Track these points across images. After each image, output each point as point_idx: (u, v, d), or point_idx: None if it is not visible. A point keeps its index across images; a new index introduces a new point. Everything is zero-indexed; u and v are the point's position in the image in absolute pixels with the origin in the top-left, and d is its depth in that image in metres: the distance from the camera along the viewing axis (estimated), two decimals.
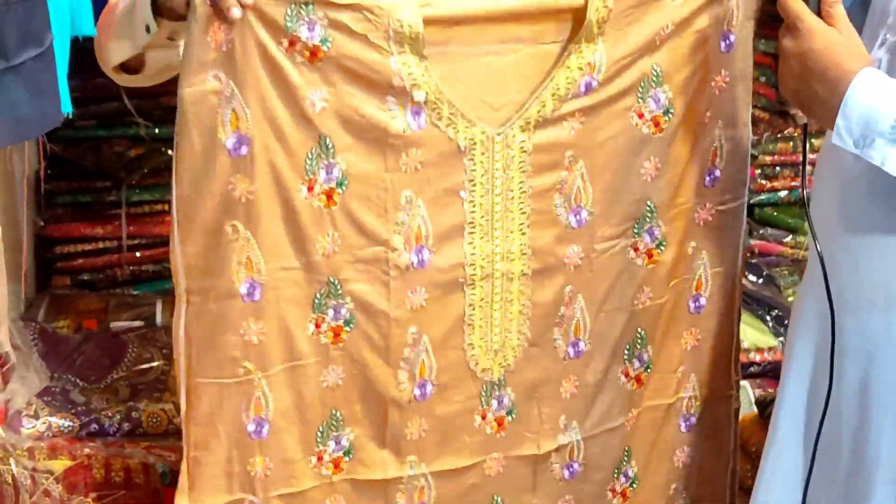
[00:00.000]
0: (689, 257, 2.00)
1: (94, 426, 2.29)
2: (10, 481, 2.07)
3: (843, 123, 1.46)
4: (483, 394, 1.93)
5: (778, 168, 3.11)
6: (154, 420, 2.33)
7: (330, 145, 1.71)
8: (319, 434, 1.84)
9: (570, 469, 2.03)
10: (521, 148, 1.81)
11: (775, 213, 3.15)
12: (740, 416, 2.40)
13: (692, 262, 2.00)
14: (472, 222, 1.82)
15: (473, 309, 1.87)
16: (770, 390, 2.54)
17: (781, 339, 2.75)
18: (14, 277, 2.71)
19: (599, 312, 1.95)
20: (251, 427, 1.79)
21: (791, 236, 3.14)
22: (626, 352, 2.00)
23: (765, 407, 2.32)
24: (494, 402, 1.93)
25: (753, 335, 2.76)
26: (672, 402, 2.07)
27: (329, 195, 1.74)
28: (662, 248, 1.96)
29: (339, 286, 1.78)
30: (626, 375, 2.02)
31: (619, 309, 1.97)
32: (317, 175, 1.72)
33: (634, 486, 2.09)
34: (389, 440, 1.89)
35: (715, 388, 2.10)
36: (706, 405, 2.10)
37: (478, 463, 1.96)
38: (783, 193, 3.15)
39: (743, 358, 2.75)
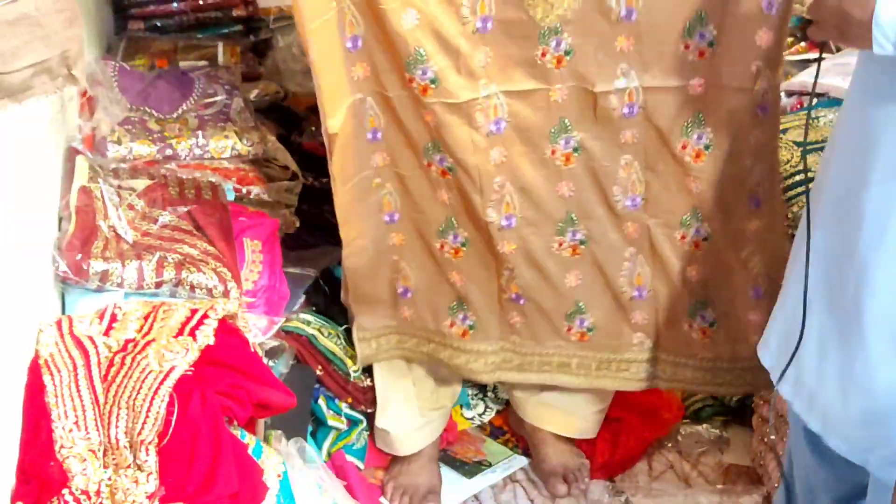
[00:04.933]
0: None
1: (169, 151, 2.47)
2: (100, 196, 2.14)
3: (878, 31, 1.58)
4: (541, 36, 2.14)
5: None
6: (218, 146, 2.51)
7: None
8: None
9: (630, 109, 2.19)
10: None
11: None
12: None
13: None
14: None
15: None
16: None
17: None
18: (96, 19, 2.87)
19: None
20: None
21: None
22: (687, 25, 2.10)
23: None
24: (553, 43, 2.14)
25: None
26: (751, 88, 2.11)
27: None
28: None
29: None
30: (687, 47, 2.12)
31: None
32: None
33: (709, 150, 2.20)
34: (462, 68, 2.15)
35: None
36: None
37: (542, 89, 2.18)
38: None
39: None
